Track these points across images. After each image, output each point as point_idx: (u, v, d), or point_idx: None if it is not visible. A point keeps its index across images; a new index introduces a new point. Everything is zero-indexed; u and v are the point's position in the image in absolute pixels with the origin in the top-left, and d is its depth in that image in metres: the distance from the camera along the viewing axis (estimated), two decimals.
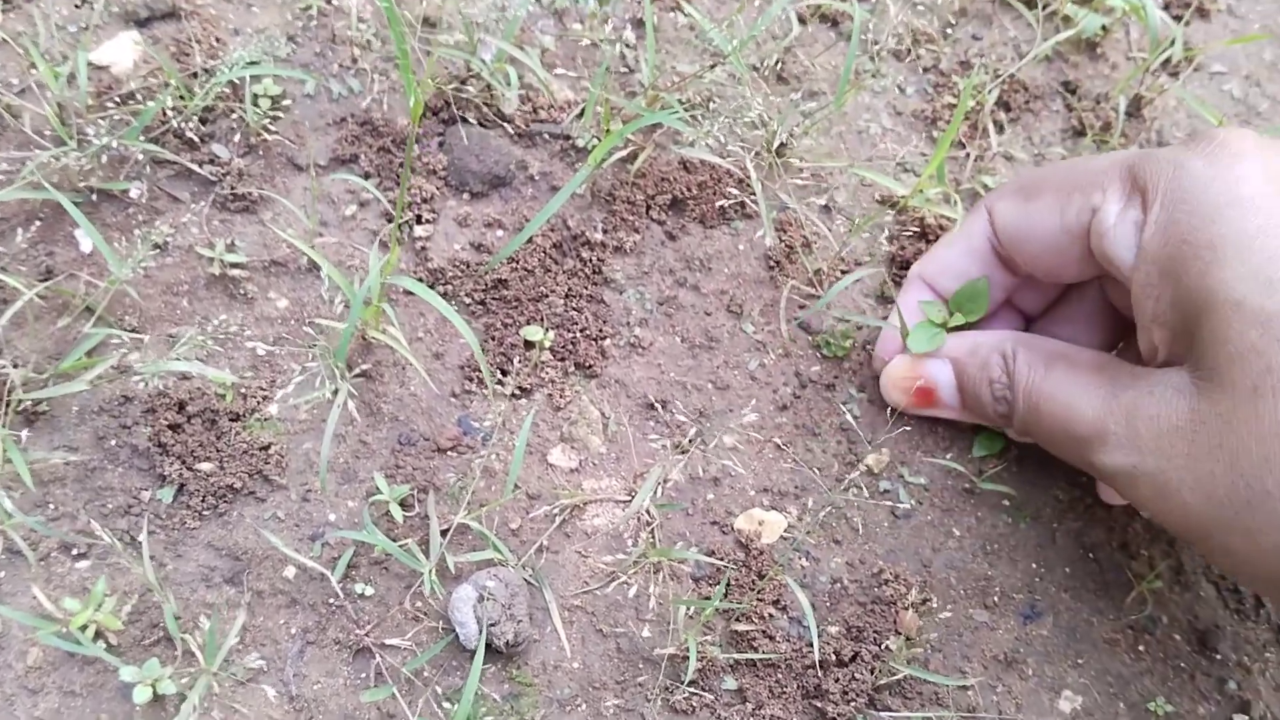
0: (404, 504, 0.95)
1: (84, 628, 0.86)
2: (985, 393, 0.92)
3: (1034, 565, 1.00)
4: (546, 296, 1.04)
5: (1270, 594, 0.83)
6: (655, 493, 0.95)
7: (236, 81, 1.06)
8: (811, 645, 0.93)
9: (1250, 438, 0.69)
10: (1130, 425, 0.78)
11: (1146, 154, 0.80)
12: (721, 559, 0.95)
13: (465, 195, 1.09)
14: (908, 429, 1.02)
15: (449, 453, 0.98)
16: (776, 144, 1.10)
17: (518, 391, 1.01)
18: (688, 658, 0.90)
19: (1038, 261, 0.90)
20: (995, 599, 0.98)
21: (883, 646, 0.93)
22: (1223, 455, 0.71)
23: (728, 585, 0.93)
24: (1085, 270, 0.88)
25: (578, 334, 1.03)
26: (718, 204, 1.08)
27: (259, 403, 0.98)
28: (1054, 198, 0.86)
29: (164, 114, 1.04)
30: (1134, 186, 0.80)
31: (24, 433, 0.92)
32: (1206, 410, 0.73)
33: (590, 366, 1.03)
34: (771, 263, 1.07)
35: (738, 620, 0.93)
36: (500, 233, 1.08)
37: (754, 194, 1.09)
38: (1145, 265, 0.77)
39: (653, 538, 0.96)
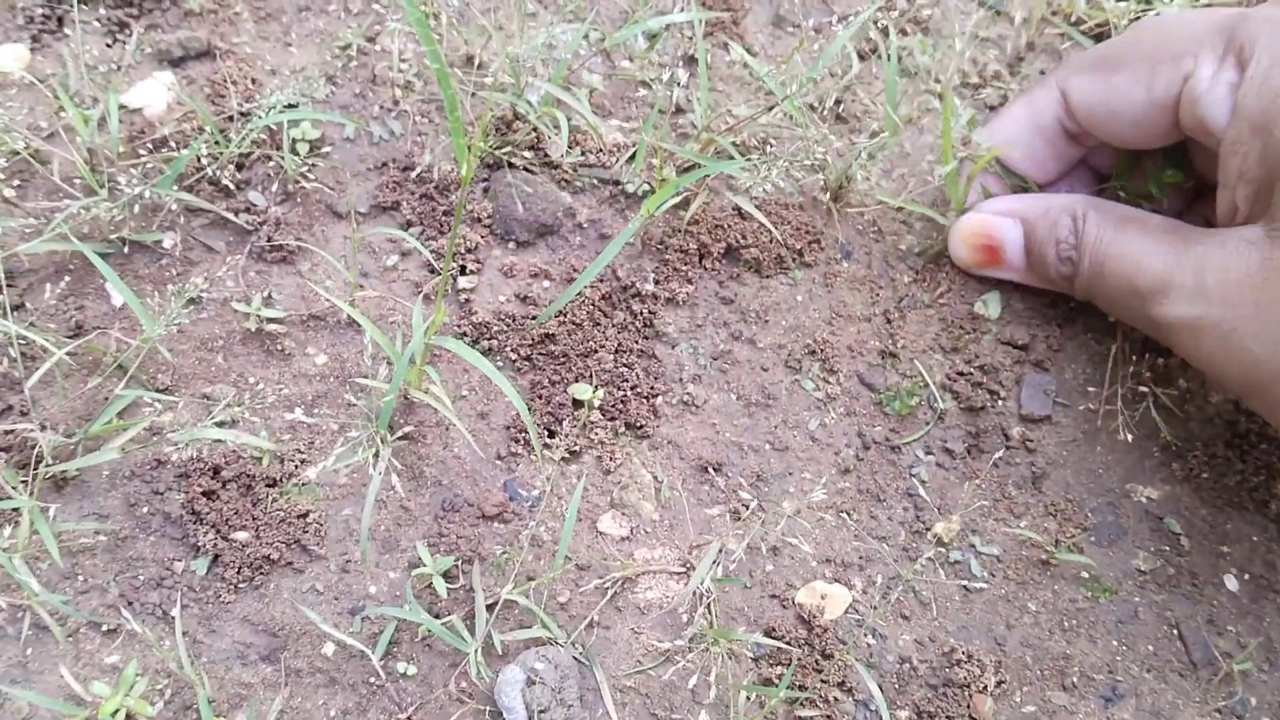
0: (448, 575, 0.91)
1: (114, 712, 0.82)
2: (1051, 252, 0.92)
3: (1115, 643, 0.94)
4: (595, 352, 0.99)
5: None
6: (714, 568, 0.90)
7: (274, 126, 1.02)
8: None
9: None
10: (1198, 277, 0.79)
11: (1243, 14, 0.80)
12: (783, 638, 0.89)
13: (511, 244, 1.04)
14: (981, 499, 0.97)
15: (494, 520, 0.93)
16: (836, 187, 1.05)
17: (566, 454, 0.95)
18: None
19: (1118, 134, 0.90)
20: (1074, 680, 0.92)
21: None
22: None
23: (792, 669, 0.88)
24: (1168, 139, 0.88)
25: (628, 391, 0.98)
26: (775, 252, 1.02)
27: (297, 467, 0.93)
28: (1139, 70, 0.86)
29: (199, 160, 1.00)
30: (1229, 47, 0.79)
31: (53, 506, 0.88)
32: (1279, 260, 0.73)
33: (641, 426, 0.97)
34: (832, 314, 1.02)
35: (801, 705, 0.87)
36: (547, 284, 1.03)
37: (813, 240, 1.03)
38: (1238, 123, 0.77)
39: (710, 613, 0.90)
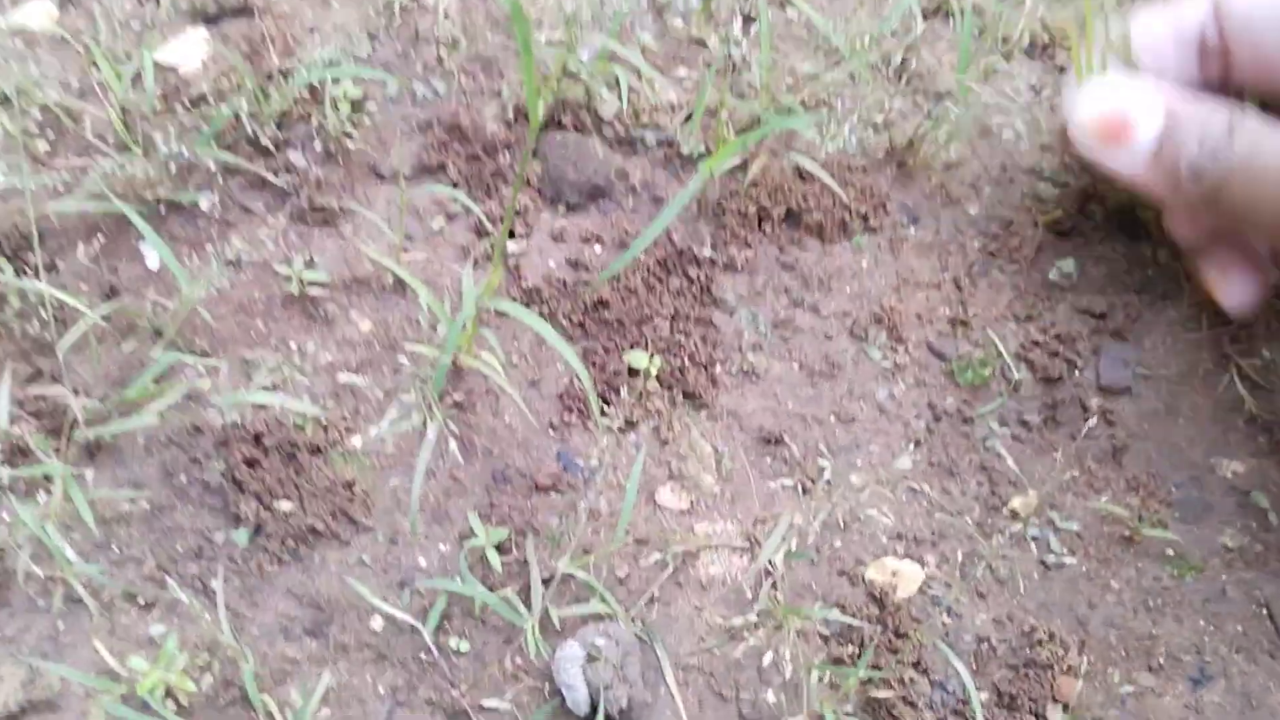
0: (501, 548, 0.86)
1: (153, 688, 0.77)
2: (1193, 139, 0.81)
3: (1202, 623, 0.89)
4: (651, 319, 0.95)
5: None
6: (783, 543, 0.85)
7: (315, 83, 0.97)
8: (958, 714, 0.83)
9: None
10: None
11: None
12: (854, 615, 0.84)
13: (561, 207, 0.99)
14: (1058, 470, 0.92)
15: (548, 491, 0.89)
16: (902, 149, 1.00)
17: (623, 424, 0.91)
18: None
19: (1268, 50, 0.83)
20: (1161, 661, 0.87)
21: (1041, 716, 0.82)
22: None
23: (864, 648, 0.83)
24: None
25: (686, 360, 0.93)
26: (838, 217, 0.98)
27: (341, 434, 0.89)
28: None
29: (236, 119, 0.96)
30: None
31: (89, 472, 0.84)
32: None
33: (700, 396, 0.93)
34: (899, 281, 0.97)
35: (875, 686, 0.83)
36: (598, 248, 0.98)
37: (878, 205, 0.99)
38: None
39: (776, 590, 0.86)
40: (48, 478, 0.84)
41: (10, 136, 0.91)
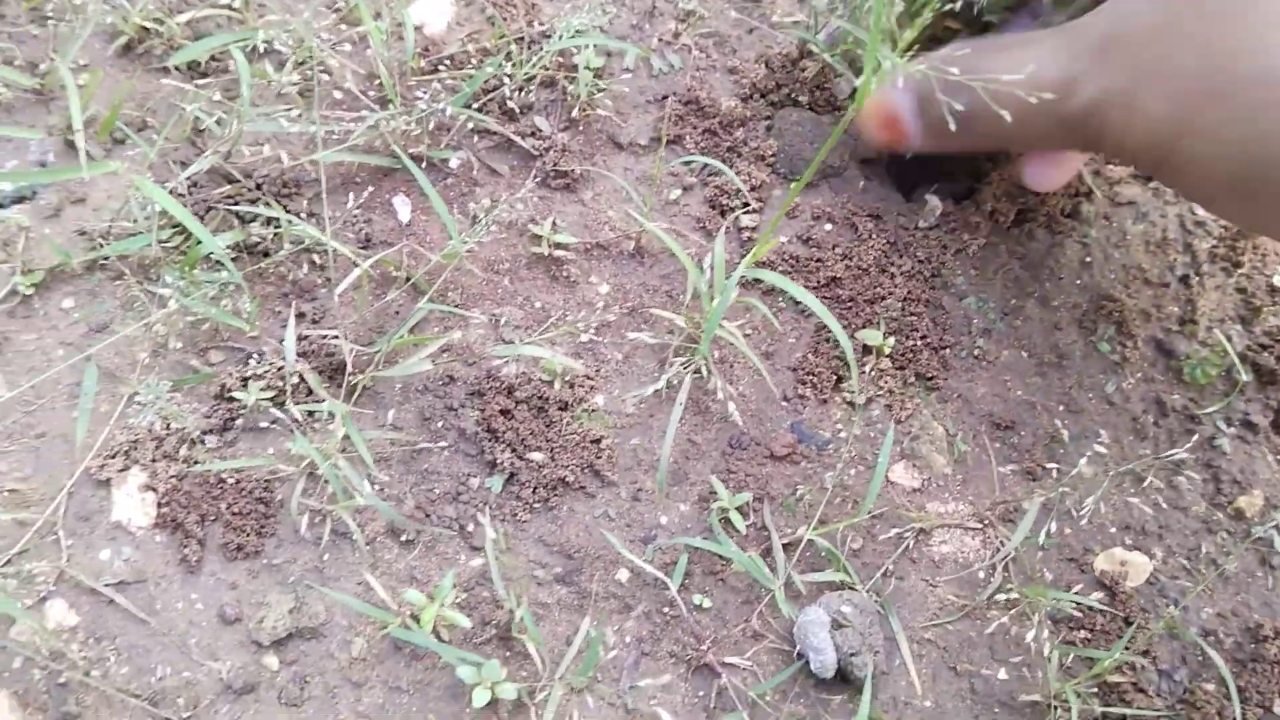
0: (740, 511, 0.89)
1: (428, 622, 0.81)
2: (937, 94, 0.84)
3: None
4: (883, 299, 0.97)
5: (1229, 204, 0.75)
6: (1041, 527, 0.87)
7: (573, 49, 1.00)
8: (1185, 703, 0.84)
9: (1230, 29, 0.68)
10: (1101, 54, 0.75)
11: None
12: (1090, 603, 0.87)
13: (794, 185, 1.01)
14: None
15: (783, 461, 0.91)
16: None
17: (859, 401, 0.93)
18: (1052, 706, 0.82)
19: None
20: None
21: (1268, 709, 0.84)
22: (1195, 48, 0.69)
23: (1095, 633, 0.85)
24: None
25: (918, 341, 0.96)
26: (1068, 208, 0.99)
27: (586, 393, 0.92)
28: None
29: (486, 82, 0.99)
30: None
31: (376, 412, 0.88)
32: (1185, 9, 0.70)
33: (932, 378, 0.95)
34: (1127, 276, 0.98)
35: (1108, 670, 0.85)
36: (829, 226, 1.00)
37: (1109, 198, 1.00)
38: None
39: (1007, 572, 0.88)
40: (313, 414, 0.88)
41: (296, 87, 0.94)
